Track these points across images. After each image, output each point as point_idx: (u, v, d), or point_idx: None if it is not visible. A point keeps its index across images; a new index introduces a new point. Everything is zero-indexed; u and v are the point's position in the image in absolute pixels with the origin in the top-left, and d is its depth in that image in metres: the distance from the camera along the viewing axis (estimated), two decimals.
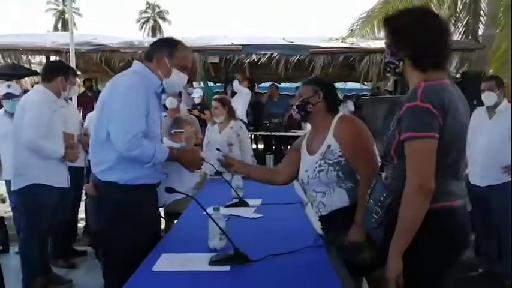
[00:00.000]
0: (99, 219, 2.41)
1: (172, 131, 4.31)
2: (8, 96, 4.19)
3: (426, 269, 1.71)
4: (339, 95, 2.48)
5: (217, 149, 4.35)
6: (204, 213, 2.62)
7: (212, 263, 1.89)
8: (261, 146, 10.89)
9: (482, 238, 4.16)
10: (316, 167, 2.33)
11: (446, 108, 1.66)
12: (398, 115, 1.74)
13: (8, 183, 4.12)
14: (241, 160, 4.19)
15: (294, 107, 2.46)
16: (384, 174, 1.91)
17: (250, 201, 3.11)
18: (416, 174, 1.65)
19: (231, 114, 4.71)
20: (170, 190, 2.06)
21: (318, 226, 2.43)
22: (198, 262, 1.91)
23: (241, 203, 3.06)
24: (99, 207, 2.40)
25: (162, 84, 2.37)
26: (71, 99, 4.59)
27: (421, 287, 1.74)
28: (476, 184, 3.90)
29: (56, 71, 3.64)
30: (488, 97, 3.83)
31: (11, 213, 5.74)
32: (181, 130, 4.21)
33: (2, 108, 4.34)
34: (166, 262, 1.92)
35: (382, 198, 1.77)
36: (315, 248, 2.11)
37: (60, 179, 3.62)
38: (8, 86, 4.25)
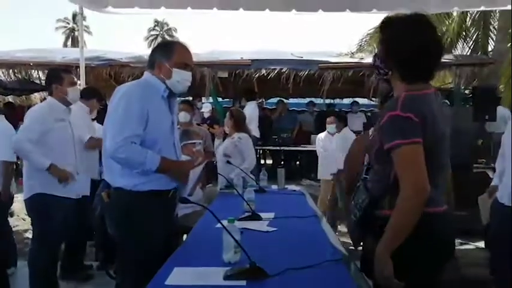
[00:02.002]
0: (110, 227, 2.36)
1: (182, 144, 4.27)
2: None
3: (412, 272, 1.72)
4: None
5: (228, 162, 4.33)
6: (217, 226, 2.56)
7: (227, 277, 1.81)
8: (269, 162, 10.81)
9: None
10: None
11: (424, 116, 1.71)
12: (379, 122, 1.79)
13: None
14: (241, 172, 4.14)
15: None
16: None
17: (262, 215, 3.01)
18: (410, 180, 1.68)
19: (236, 125, 4.75)
20: (184, 201, 1.99)
21: (335, 240, 2.34)
22: (213, 276, 1.83)
23: (254, 217, 2.96)
24: (110, 214, 2.39)
25: (167, 87, 2.40)
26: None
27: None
28: (504, 203, 3.66)
29: (50, 81, 3.63)
30: None
31: (18, 227, 5.73)
32: (193, 141, 4.18)
33: None
34: (180, 276, 1.84)
35: (360, 201, 1.87)
36: (334, 262, 2.02)
37: (67, 189, 3.52)
38: None
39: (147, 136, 2.27)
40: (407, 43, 1.77)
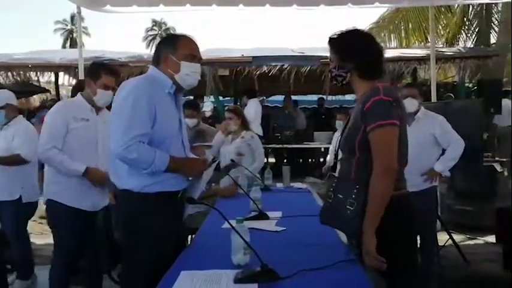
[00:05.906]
0: (117, 230, 2.27)
1: (196, 144, 4.17)
2: None
3: (396, 246, 1.90)
4: None
5: (232, 160, 4.23)
6: (223, 227, 2.48)
7: (238, 280, 1.72)
8: (271, 160, 10.71)
9: None
10: None
11: (399, 102, 1.98)
12: (361, 112, 1.96)
13: None
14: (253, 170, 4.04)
15: None
16: (341, 169, 2.12)
17: (270, 214, 2.93)
18: (383, 157, 1.89)
19: (244, 124, 4.63)
20: (191, 201, 1.90)
21: (347, 239, 2.25)
22: (222, 280, 1.74)
23: (262, 216, 2.87)
24: (117, 217, 2.28)
25: (174, 83, 2.28)
26: None
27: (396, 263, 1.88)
28: None
29: (86, 74, 3.24)
30: (410, 104, 3.67)
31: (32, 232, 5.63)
32: (207, 144, 4.10)
33: None
34: (187, 280, 1.75)
35: (355, 191, 1.94)
36: (348, 262, 1.93)
37: (79, 199, 3.10)
38: None
39: (155, 135, 2.16)
40: (367, 46, 2.05)
